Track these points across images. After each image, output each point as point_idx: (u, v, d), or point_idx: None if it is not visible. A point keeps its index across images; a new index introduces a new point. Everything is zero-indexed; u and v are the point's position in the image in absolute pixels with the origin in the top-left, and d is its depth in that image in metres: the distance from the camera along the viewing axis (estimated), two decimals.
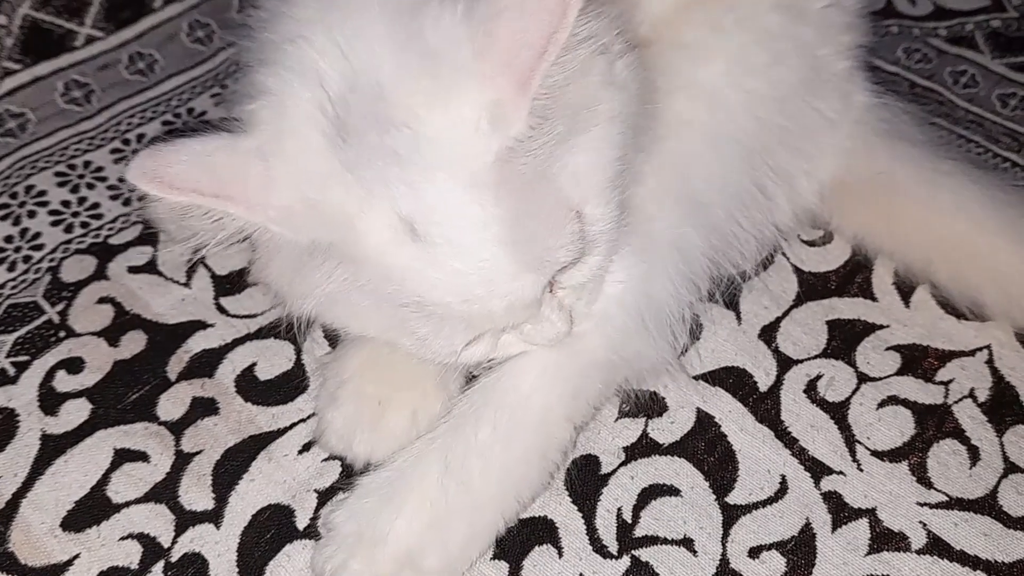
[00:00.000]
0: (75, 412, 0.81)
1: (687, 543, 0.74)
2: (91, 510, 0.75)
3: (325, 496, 0.76)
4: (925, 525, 0.75)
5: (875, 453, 0.79)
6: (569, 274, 0.67)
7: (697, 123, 0.79)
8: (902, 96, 1.02)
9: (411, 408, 0.76)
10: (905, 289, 0.90)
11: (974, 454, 0.79)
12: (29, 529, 0.74)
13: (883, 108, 0.93)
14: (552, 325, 0.68)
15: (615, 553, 0.73)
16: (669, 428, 0.81)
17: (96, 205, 0.94)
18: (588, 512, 0.76)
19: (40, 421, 0.80)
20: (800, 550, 0.74)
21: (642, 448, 0.79)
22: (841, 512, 0.76)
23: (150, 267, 0.90)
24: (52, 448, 0.79)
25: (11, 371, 0.83)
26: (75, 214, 0.94)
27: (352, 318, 0.70)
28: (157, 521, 0.75)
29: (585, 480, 0.77)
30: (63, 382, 0.83)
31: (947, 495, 0.77)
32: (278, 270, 0.69)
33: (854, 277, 0.91)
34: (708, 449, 0.79)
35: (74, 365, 0.84)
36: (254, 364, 0.84)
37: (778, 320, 0.88)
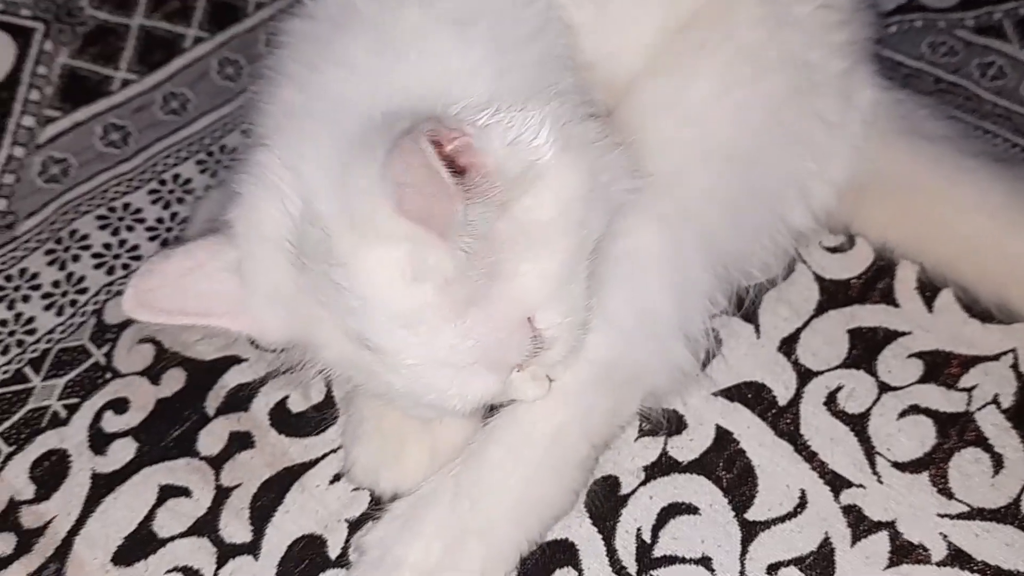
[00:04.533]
0: (122, 451, 0.85)
1: (705, 562, 0.75)
2: (139, 545, 0.80)
3: (356, 526, 0.79)
4: (946, 537, 0.75)
5: (895, 465, 0.79)
6: (534, 361, 0.69)
7: (682, 140, 0.79)
8: (925, 92, 1.02)
9: (430, 442, 0.79)
10: (929, 293, 0.89)
11: (997, 462, 0.79)
12: (82, 565, 0.79)
13: (897, 104, 0.92)
14: (529, 394, 0.71)
15: (634, 574, 0.75)
16: (688, 445, 0.82)
17: (136, 247, 0.99)
18: (608, 533, 0.78)
19: (90, 461, 0.85)
20: (819, 565, 0.75)
21: (662, 467, 0.81)
22: (860, 525, 0.76)
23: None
24: (102, 486, 0.83)
25: (63, 413, 0.88)
26: (116, 256, 0.98)
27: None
28: (200, 554, 0.79)
29: (605, 501, 0.79)
30: (110, 422, 0.87)
31: (969, 505, 0.77)
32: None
33: (876, 283, 0.91)
34: (727, 466, 0.81)
35: (120, 405, 0.88)
36: (287, 397, 0.88)
37: (798, 331, 0.88)
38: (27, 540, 0.80)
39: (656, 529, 0.77)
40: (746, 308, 0.88)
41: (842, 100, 0.88)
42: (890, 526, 0.76)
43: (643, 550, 0.77)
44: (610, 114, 0.82)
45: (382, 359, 0.66)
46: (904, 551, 0.75)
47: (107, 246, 0.99)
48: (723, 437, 0.82)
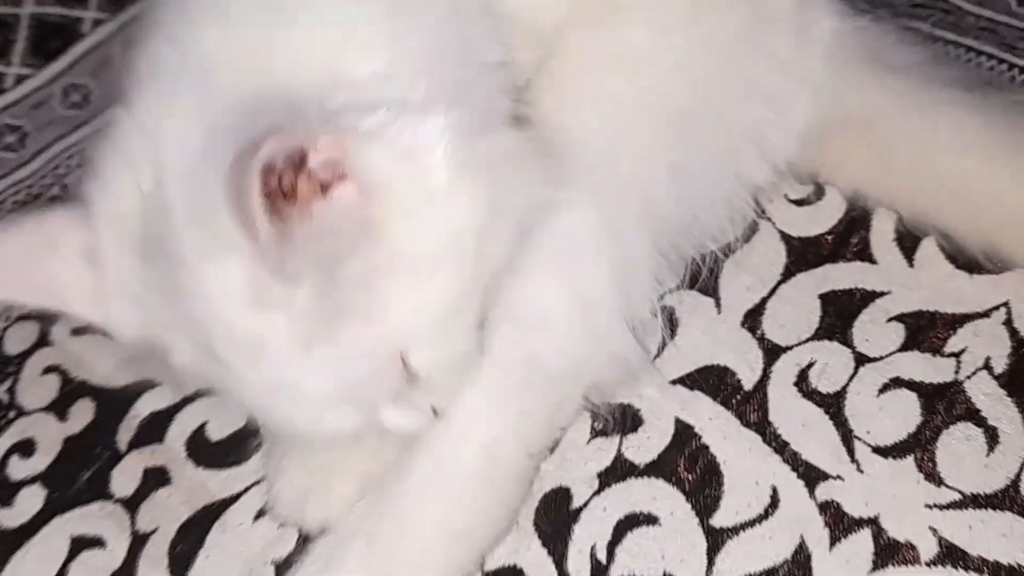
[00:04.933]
0: (30, 500, 0.78)
1: None
2: None
3: (282, 567, 0.72)
4: (936, 531, 0.67)
5: (876, 450, 0.71)
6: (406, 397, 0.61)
7: (616, 98, 0.70)
8: (899, 11, 0.91)
9: (357, 471, 0.71)
10: (908, 244, 0.80)
11: (991, 437, 0.70)
12: None
13: (861, 32, 0.81)
14: (403, 427, 0.63)
15: None
16: (645, 445, 0.74)
17: None
18: (559, 556, 0.70)
19: None
20: (794, 574, 0.67)
21: (617, 472, 0.73)
22: (839, 524, 0.68)
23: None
24: (11, 543, 0.76)
25: None
26: None
27: None
28: None
29: (555, 517, 0.71)
30: (17, 467, 0.80)
31: (960, 492, 0.68)
32: None
33: (850, 237, 0.81)
34: (688, 465, 0.72)
35: (26, 447, 0.81)
36: (205, 424, 0.80)
37: (764, 301, 0.79)
38: None
39: (612, 546, 0.69)
40: (704, 279, 0.79)
41: (797, 34, 0.78)
42: (873, 523, 0.68)
43: (599, 571, 0.69)
44: (534, 76, 0.72)
45: (229, 376, 0.58)
46: (889, 551, 0.66)
47: None
48: (683, 432, 0.74)
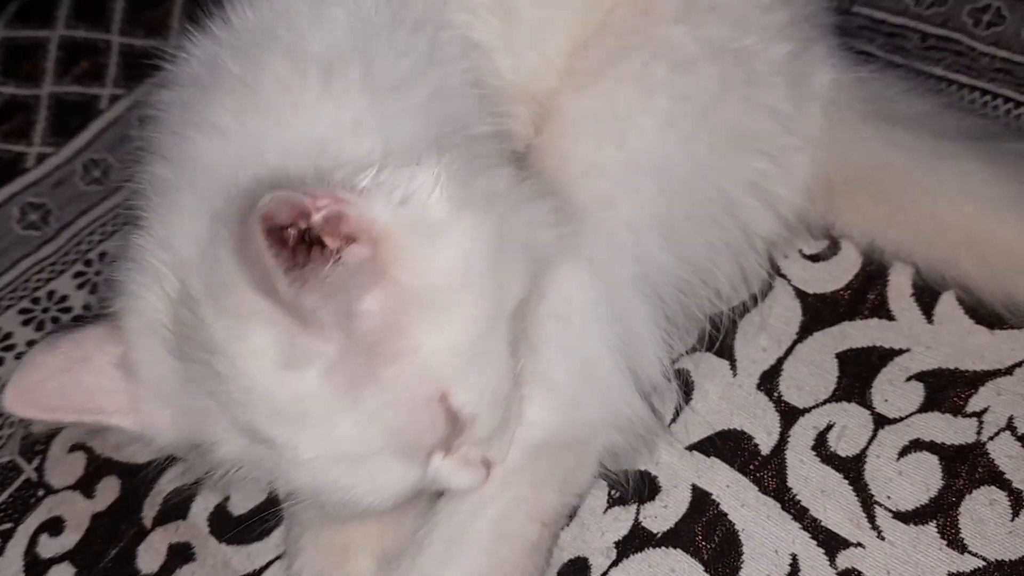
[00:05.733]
0: None
1: None
2: None
3: None
4: None
5: (897, 515, 0.69)
6: (459, 439, 0.61)
7: (606, 163, 0.71)
8: (912, 53, 0.90)
9: (374, 547, 0.71)
10: (927, 299, 0.79)
11: (1016, 501, 0.68)
12: None
13: (864, 83, 0.81)
14: (460, 482, 0.63)
15: None
16: (662, 513, 0.73)
17: None
18: None
19: None
20: None
21: (634, 541, 0.72)
22: None
23: None
24: None
25: None
26: None
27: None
28: None
29: None
30: (46, 546, 0.82)
31: (984, 559, 0.66)
32: None
33: (867, 293, 0.80)
34: (706, 534, 0.71)
35: (55, 526, 0.83)
36: (227, 499, 0.81)
37: (780, 362, 0.78)
38: None
39: None
40: (719, 341, 0.79)
41: (793, 87, 0.78)
42: None
43: None
44: (531, 144, 0.73)
45: (279, 454, 0.58)
46: None
47: (30, 343, 0.92)
48: (701, 499, 0.73)
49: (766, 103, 0.76)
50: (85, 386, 0.63)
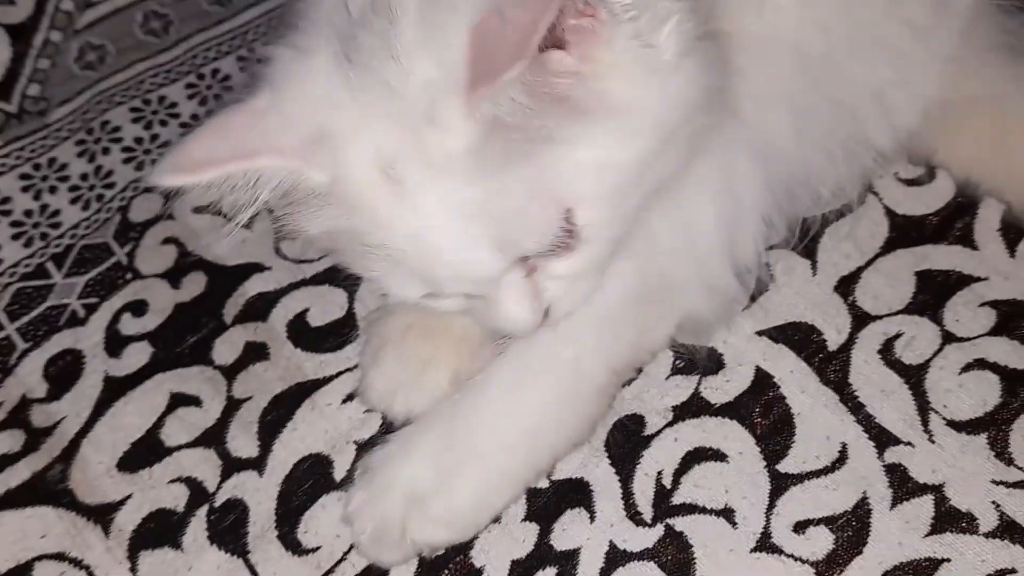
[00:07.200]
0: (137, 355, 0.83)
1: (727, 514, 0.70)
2: (145, 452, 0.78)
3: (363, 448, 0.76)
4: (998, 506, 0.68)
5: (951, 423, 0.72)
6: (551, 264, 0.62)
7: (742, 33, 0.69)
8: None
9: (452, 368, 0.74)
10: (1013, 236, 0.80)
11: None
12: (87, 468, 0.78)
13: (999, 14, 0.81)
14: (507, 310, 0.63)
15: (649, 521, 0.70)
16: (723, 387, 0.76)
17: (167, 143, 0.95)
18: (626, 475, 0.72)
19: (104, 363, 0.83)
20: (852, 526, 0.68)
21: (692, 408, 0.75)
22: (904, 487, 0.69)
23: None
24: (114, 390, 0.82)
25: (81, 313, 0.86)
26: (147, 151, 0.95)
27: (350, 261, 0.67)
28: (205, 466, 0.77)
29: (627, 440, 0.74)
30: (128, 324, 0.85)
31: None
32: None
33: (954, 221, 0.82)
34: (763, 412, 0.74)
35: (139, 308, 0.86)
36: (307, 310, 0.84)
37: (860, 270, 0.80)
38: (35, 439, 0.79)
39: (678, 474, 0.72)
40: (806, 242, 0.81)
41: (936, 2, 0.78)
42: (937, 490, 0.69)
43: (662, 495, 0.71)
44: None
45: (396, 194, 0.58)
46: (949, 518, 0.68)
47: (138, 140, 0.96)
48: (762, 380, 0.75)
49: (910, 14, 0.76)
50: (232, 131, 0.60)
